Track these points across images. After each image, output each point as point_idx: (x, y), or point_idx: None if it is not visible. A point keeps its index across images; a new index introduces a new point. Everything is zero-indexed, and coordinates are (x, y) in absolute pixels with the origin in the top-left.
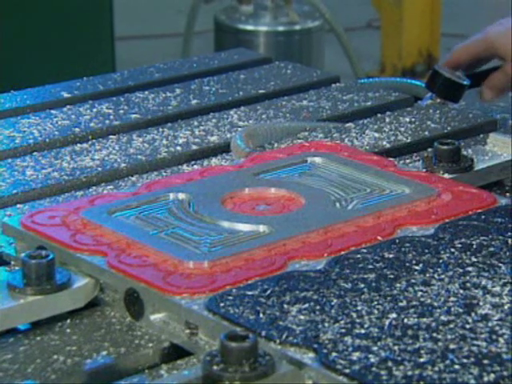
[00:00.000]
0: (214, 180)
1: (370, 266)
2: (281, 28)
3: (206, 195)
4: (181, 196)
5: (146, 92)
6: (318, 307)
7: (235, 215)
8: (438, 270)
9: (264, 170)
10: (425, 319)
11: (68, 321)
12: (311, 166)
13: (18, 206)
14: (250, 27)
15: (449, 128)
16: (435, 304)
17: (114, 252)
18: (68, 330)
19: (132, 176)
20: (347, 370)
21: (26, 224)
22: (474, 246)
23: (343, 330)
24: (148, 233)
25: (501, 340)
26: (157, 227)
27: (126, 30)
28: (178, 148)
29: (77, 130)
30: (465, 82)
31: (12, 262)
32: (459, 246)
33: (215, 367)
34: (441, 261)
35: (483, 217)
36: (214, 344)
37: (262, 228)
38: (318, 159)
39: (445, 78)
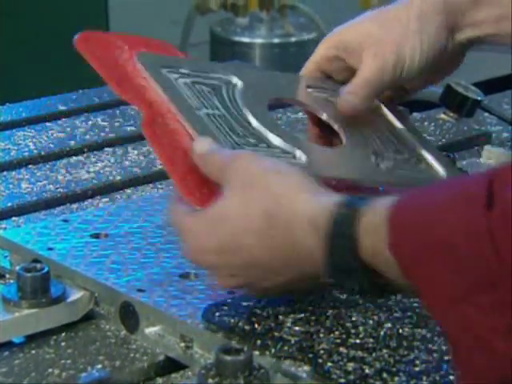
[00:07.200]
0: None
1: None
2: (276, 40)
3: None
4: (237, 82)
5: None
6: (313, 318)
7: (276, 125)
8: None
9: None
10: (419, 330)
11: (63, 334)
12: None
13: (13, 218)
14: (245, 39)
15: (443, 140)
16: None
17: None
18: (63, 344)
19: (127, 189)
20: (342, 381)
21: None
22: None
23: (338, 341)
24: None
25: None
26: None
27: None
28: None
29: (72, 142)
30: (479, 98)
31: (7, 275)
32: None
33: (210, 380)
34: None
35: None
36: (209, 357)
37: (298, 153)
38: None
39: (462, 96)
